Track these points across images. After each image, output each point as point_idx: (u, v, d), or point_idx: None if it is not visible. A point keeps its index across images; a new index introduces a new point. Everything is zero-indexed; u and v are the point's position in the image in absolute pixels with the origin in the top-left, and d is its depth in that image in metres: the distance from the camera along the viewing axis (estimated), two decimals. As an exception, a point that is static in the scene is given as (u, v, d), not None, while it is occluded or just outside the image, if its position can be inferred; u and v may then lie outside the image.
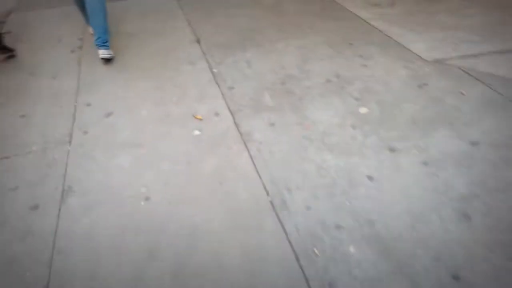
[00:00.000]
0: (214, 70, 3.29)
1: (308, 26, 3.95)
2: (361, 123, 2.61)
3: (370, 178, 2.19)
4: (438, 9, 4.12)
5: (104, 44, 3.37)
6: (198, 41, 3.75)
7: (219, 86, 3.08)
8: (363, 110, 2.74)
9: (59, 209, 2.09)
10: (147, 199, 2.12)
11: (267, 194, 2.13)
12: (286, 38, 3.74)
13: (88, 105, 2.91)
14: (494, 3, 4.17)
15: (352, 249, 1.85)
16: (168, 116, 2.77)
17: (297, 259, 1.82)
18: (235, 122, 2.68)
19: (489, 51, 3.32)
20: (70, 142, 2.55)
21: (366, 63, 3.30)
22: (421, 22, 3.89)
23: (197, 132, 2.60)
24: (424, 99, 2.81)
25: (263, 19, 4.14)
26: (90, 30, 3.73)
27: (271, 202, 2.08)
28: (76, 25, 4.13)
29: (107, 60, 3.42)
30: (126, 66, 3.37)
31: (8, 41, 3.67)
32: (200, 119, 2.72)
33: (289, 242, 1.89)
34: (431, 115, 2.65)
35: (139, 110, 2.83)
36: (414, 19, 3.96)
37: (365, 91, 2.93)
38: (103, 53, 3.37)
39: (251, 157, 2.38)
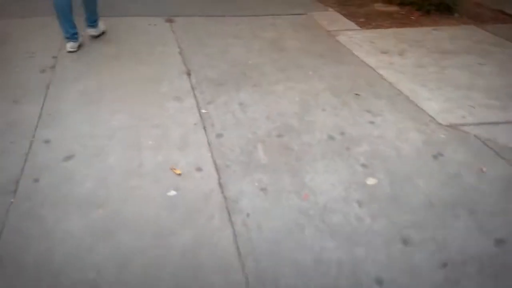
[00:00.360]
0: (203, 110, 2.84)
1: (310, 68, 3.54)
2: (368, 199, 2.16)
3: (379, 282, 1.73)
4: (450, 64, 3.76)
5: (93, 23, 3.72)
6: (188, 73, 3.30)
7: (206, 131, 2.62)
8: (371, 181, 2.30)
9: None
10: None
11: (251, 293, 1.65)
12: (286, 79, 3.32)
13: (47, 142, 2.41)
14: (510, 61, 3.83)
15: None
16: (140, 166, 2.29)
17: None
18: (220, 183, 2.21)
19: (508, 120, 2.94)
20: (15, 192, 2.04)
21: (374, 119, 2.88)
22: (432, 77, 3.51)
23: (172, 193, 2.12)
24: (441, 174, 2.39)
25: (261, 54, 3.72)
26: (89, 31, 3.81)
27: (255, 306, 1.61)
28: (54, 39, 3.64)
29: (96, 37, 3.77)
30: (100, 95, 2.90)
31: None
32: (179, 174, 2.25)
33: None
34: (449, 196, 2.22)
35: (106, 155, 2.34)
36: (425, 72, 3.59)
37: (373, 156, 2.50)
38: (91, 31, 3.73)
39: (235, 234, 1.90)
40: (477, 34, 4.48)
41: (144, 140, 2.48)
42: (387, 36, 4.29)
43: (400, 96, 3.21)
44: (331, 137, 2.67)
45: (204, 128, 2.65)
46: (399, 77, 3.49)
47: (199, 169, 2.30)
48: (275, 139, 2.61)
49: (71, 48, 3.46)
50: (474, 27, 4.65)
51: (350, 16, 4.81)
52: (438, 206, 2.14)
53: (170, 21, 4.26)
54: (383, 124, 2.84)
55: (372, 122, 2.86)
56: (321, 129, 2.74)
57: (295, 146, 2.56)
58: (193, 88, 3.08)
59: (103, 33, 3.88)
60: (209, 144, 2.51)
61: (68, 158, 2.31)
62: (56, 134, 2.48)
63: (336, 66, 3.61)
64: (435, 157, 2.53)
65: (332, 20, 4.64)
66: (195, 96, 2.99)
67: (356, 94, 3.20)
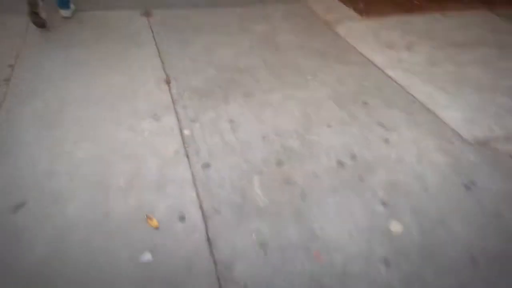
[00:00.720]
0: (186, 131, 2.32)
1: (310, 70, 3.01)
2: (396, 255, 1.70)
3: None
4: (466, 59, 3.26)
5: (65, 5, 3.44)
6: (168, 81, 2.76)
7: (189, 161, 2.12)
8: (395, 226, 1.83)
9: None
10: None
11: None
12: (282, 86, 2.80)
13: (-10, 186, 1.89)
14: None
15: None
16: (106, 216, 1.78)
17: None
18: (208, 237, 1.73)
19: (543, 131, 2.48)
20: None
21: (388, 136, 2.40)
22: (449, 77, 3.01)
23: (147, 257, 1.63)
24: (478, 213, 1.93)
25: (253, 53, 3.18)
26: (62, 13, 3.49)
27: None
28: (11, 41, 3.05)
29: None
30: (61, 116, 2.35)
31: None
32: (156, 228, 1.75)
33: None
34: (493, 248, 1.77)
35: (65, 202, 1.83)
36: (439, 71, 3.08)
37: (393, 189, 2.03)
38: (65, 13, 3.44)
39: (229, 322, 1.43)
40: (490, 20, 3.97)
41: (113, 178, 1.97)
42: (391, 26, 3.75)
43: (415, 104, 2.71)
44: (340, 163, 2.18)
45: (187, 156, 2.15)
46: (410, 79, 2.98)
47: (181, 218, 1.80)
48: (274, 169, 2.12)
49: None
50: (486, 12, 4.13)
51: (347, 1, 4.24)
52: (482, 263, 1.69)
53: (147, 14, 3.66)
54: (400, 143, 2.35)
55: (386, 141, 2.37)
56: (327, 152, 2.25)
57: (299, 177, 2.07)
58: (173, 102, 2.55)
59: (75, 10, 3.59)
60: (193, 179, 2.01)
61: (17, 207, 1.79)
62: (4, 172, 1.95)
63: (338, 67, 3.09)
64: (467, 187, 2.07)
65: (329, 7, 4.08)
66: (176, 112, 2.46)
67: (365, 103, 2.70)
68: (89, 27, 3.37)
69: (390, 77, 3.00)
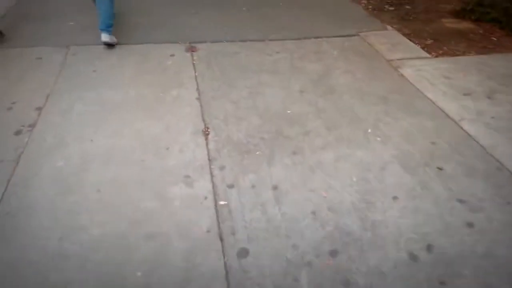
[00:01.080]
0: (221, 202, 1.92)
1: (370, 121, 2.54)
2: None
3: None
4: (562, 112, 2.66)
5: (107, 28, 3.23)
6: (206, 131, 2.40)
7: (223, 244, 1.72)
8: None
9: None
10: None
11: None
12: (337, 142, 2.35)
13: (-15, 273, 1.58)
14: None
15: None
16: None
17: None
18: None
19: None
20: None
21: (472, 219, 1.89)
22: (544, 137, 2.44)
23: None
24: None
25: (304, 99, 2.76)
26: (103, 37, 3.26)
27: None
28: (46, 79, 2.83)
29: (109, 45, 3.27)
30: (81, 177, 2.03)
31: None
32: None
33: None
34: None
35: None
36: (530, 127, 2.51)
37: (486, 304, 1.52)
38: (105, 37, 3.22)
39: None
40: None
41: (130, 266, 1.60)
42: (466, 67, 3.21)
43: (502, 173, 2.17)
44: (413, 256, 1.70)
45: (221, 238, 1.74)
46: (494, 137, 2.44)
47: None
48: (327, 260, 1.67)
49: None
50: None
51: (414, 36, 3.74)
52: None
53: (192, 49, 3.36)
54: (488, 231, 1.83)
55: (470, 225, 1.86)
56: (395, 239, 1.77)
57: (359, 276, 1.61)
58: (210, 160, 2.17)
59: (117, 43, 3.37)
60: (226, 272, 1.60)
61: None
62: (7, 256, 1.64)
63: (404, 118, 2.59)
64: None
65: (392, 43, 3.59)
66: (211, 174, 2.08)
67: (439, 169, 2.19)
68: (128, 63, 3.10)
69: (468, 133, 2.47)
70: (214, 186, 2.00)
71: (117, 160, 2.14)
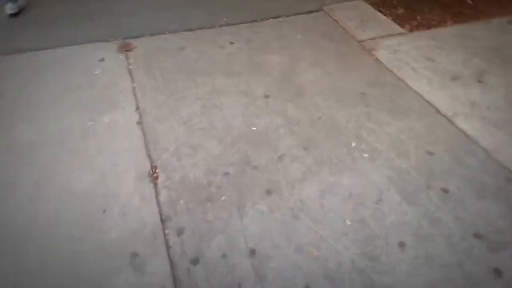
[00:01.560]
0: (181, 278, 1.43)
1: (351, 129, 2.08)
2: None
3: None
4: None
5: None
6: (154, 175, 1.84)
7: None
8: None
9: None
10: None
11: None
12: (318, 167, 1.88)
13: None
14: None
15: None
16: None
17: None
18: None
19: None
20: None
21: (501, 266, 1.50)
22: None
23: None
24: None
25: (270, 107, 2.24)
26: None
27: None
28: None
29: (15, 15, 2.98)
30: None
31: None
32: None
33: None
34: None
35: None
36: (532, 118, 2.14)
37: None
38: (10, 7, 2.95)
39: None
40: None
41: None
42: (447, 43, 2.76)
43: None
44: None
45: None
46: (495, 136, 2.06)
47: None
48: None
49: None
50: None
51: (383, 5, 3.22)
52: None
53: (126, 48, 2.69)
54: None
55: (498, 273, 1.48)
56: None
57: None
58: (163, 221, 1.64)
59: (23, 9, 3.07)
60: None
61: None
62: None
63: (390, 122, 2.14)
64: None
65: (361, 18, 3.05)
66: (167, 245, 1.56)
67: (444, 191, 1.78)
68: (43, 80, 2.41)
69: (465, 133, 2.07)
70: (172, 265, 1.49)
71: (35, 241, 1.56)
